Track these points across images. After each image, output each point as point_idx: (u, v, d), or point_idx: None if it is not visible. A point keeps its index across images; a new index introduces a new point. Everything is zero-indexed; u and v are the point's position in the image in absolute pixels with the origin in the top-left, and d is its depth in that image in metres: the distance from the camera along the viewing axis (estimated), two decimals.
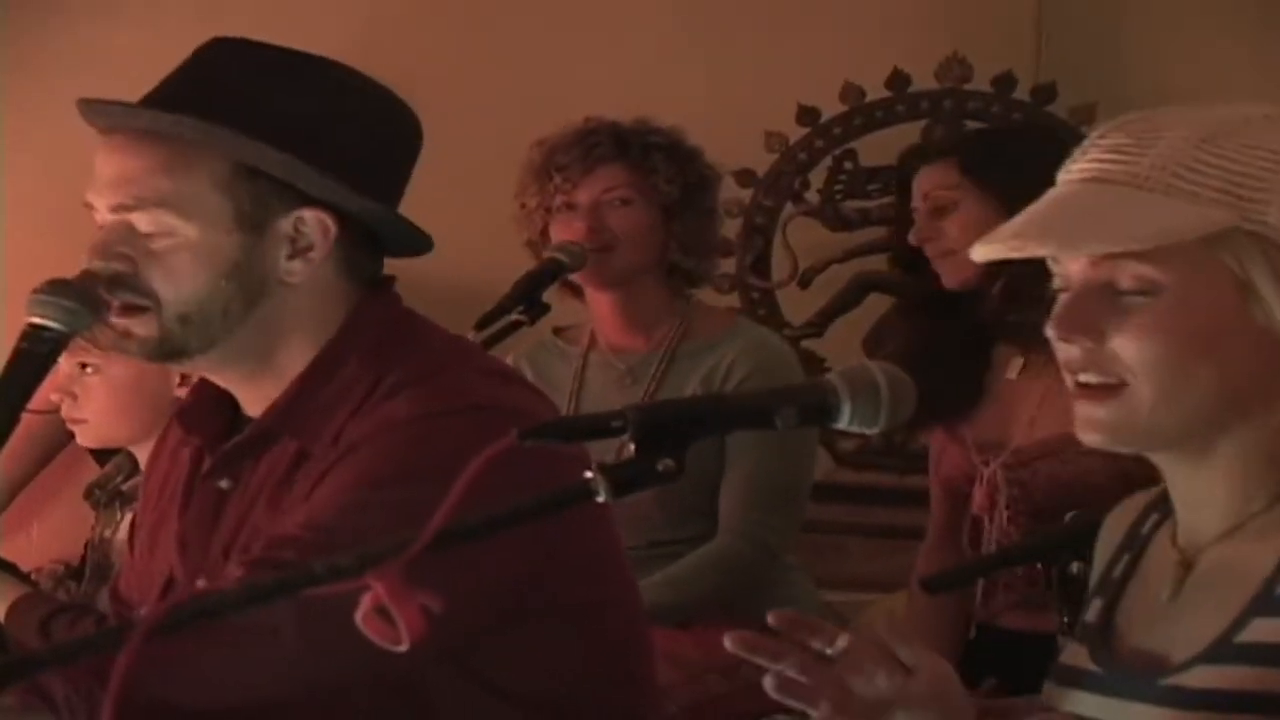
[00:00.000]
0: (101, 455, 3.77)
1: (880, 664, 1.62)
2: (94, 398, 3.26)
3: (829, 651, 1.65)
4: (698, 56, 4.50)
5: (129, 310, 2.16)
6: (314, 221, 2.17)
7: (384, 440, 2.09)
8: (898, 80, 4.43)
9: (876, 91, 4.44)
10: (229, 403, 2.28)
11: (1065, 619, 2.35)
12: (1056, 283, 1.76)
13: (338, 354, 2.19)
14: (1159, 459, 1.78)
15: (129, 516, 3.38)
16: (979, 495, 3.35)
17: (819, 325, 4.46)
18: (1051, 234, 1.71)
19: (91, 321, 2.16)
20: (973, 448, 3.39)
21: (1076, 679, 1.80)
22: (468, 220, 3.81)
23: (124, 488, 3.50)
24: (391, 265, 2.30)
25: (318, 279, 2.19)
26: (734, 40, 4.52)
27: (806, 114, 4.45)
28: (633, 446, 1.57)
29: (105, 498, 3.58)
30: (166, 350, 2.18)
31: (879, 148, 4.45)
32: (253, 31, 2.26)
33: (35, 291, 2.16)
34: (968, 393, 3.39)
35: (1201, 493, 1.76)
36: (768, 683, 1.63)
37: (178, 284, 2.15)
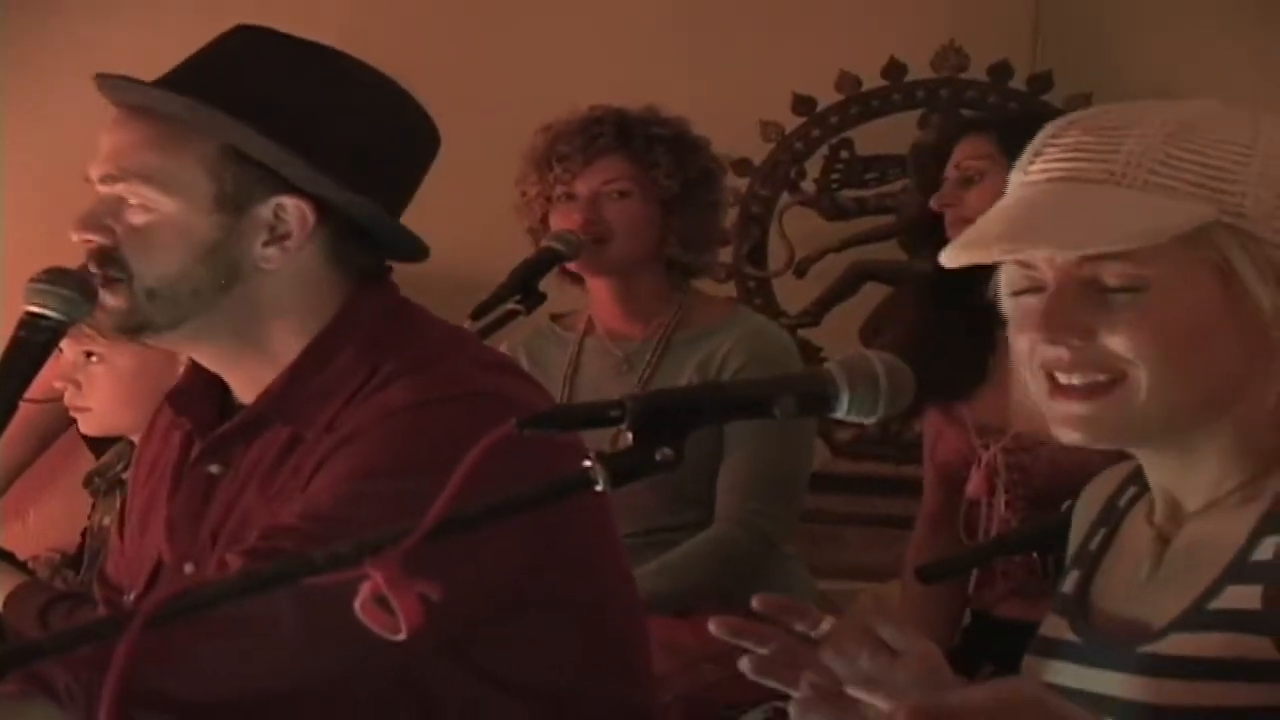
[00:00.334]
0: (98, 443, 3.78)
1: (863, 646, 1.62)
2: (98, 386, 3.26)
3: (813, 635, 1.66)
4: (694, 46, 4.50)
5: (108, 283, 2.17)
6: (293, 209, 2.17)
7: (382, 429, 2.09)
8: (894, 69, 4.43)
9: (873, 81, 4.45)
10: (220, 386, 2.28)
11: None
12: (1013, 284, 1.75)
13: (332, 342, 2.19)
14: (1138, 452, 1.80)
15: None
16: (976, 479, 3.35)
17: (815, 314, 4.47)
18: (1041, 235, 1.70)
19: (89, 310, 2.17)
20: (972, 430, 3.39)
21: (1055, 649, 1.82)
22: (463, 210, 3.81)
23: (124, 475, 3.50)
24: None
25: (301, 267, 2.19)
26: (730, 30, 4.52)
27: (803, 103, 4.46)
28: (631, 435, 1.57)
29: (105, 485, 3.59)
30: (134, 323, 2.18)
31: (875, 137, 4.46)
32: None
33: (33, 280, 2.17)
34: (970, 374, 3.39)
35: (1178, 478, 1.78)
36: (743, 664, 1.64)
37: (151, 258, 2.16)
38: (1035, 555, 2.97)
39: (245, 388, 2.24)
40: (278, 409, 2.18)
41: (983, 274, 1.79)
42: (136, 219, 2.16)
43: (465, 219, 3.91)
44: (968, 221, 3.28)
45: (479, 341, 2.55)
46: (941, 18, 4.46)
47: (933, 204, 3.42)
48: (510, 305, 3.36)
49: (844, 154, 4.49)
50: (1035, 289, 1.73)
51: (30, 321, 2.16)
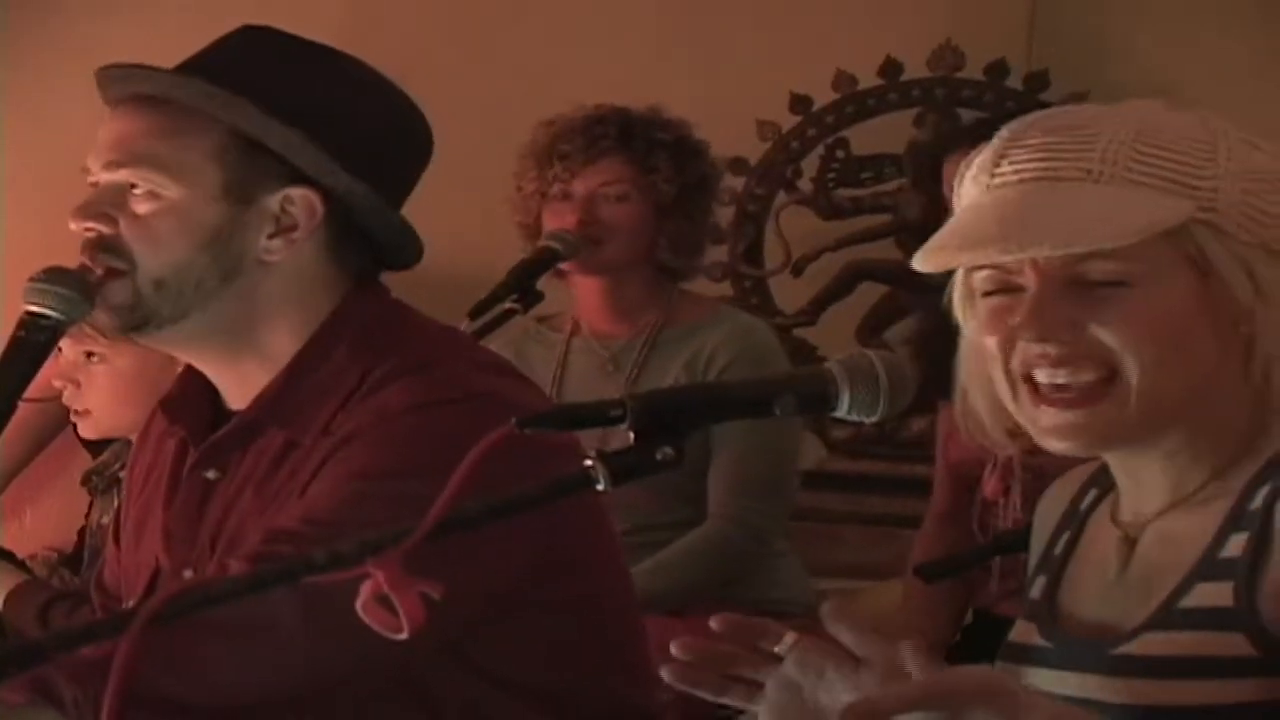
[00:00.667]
0: (95, 442, 3.77)
1: (827, 657, 1.62)
2: (98, 386, 3.26)
3: (777, 650, 1.66)
4: (690, 45, 4.50)
5: (109, 274, 2.15)
6: (301, 200, 2.16)
7: (380, 432, 2.09)
8: (890, 68, 4.43)
9: (869, 79, 4.45)
10: (213, 392, 2.27)
11: None
12: (981, 285, 1.75)
13: (325, 344, 2.18)
14: (1110, 454, 1.80)
15: None
16: (992, 481, 3.33)
17: (811, 313, 4.47)
18: (1037, 234, 1.69)
19: (89, 310, 2.16)
20: None
21: (1026, 655, 1.81)
22: (462, 210, 3.81)
23: (121, 474, 3.50)
24: None
25: (300, 263, 2.19)
26: (726, 28, 4.52)
27: (799, 102, 4.46)
28: (632, 435, 1.57)
29: (103, 484, 3.59)
30: (139, 317, 2.16)
31: (871, 136, 4.46)
32: None
33: (32, 279, 2.16)
34: None
35: (1146, 477, 1.78)
36: (664, 672, 1.66)
37: (156, 247, 2.14)
38: None
39: (238, 391, 2.23)
40: (273, 413, 2.18)
41: None
42: (141, 207, 2.15)
43: (464, 219, 3.91)
44: None
45: (475, 343, 2.55)
46: (938, 17, 4.46)
47: (946, 190, 3.41)
48: (508, 304, 3.36)
49: (840, 153, 4.48)
50: (1007, 289, 1.73)
51: (30, 321, 2.15)
